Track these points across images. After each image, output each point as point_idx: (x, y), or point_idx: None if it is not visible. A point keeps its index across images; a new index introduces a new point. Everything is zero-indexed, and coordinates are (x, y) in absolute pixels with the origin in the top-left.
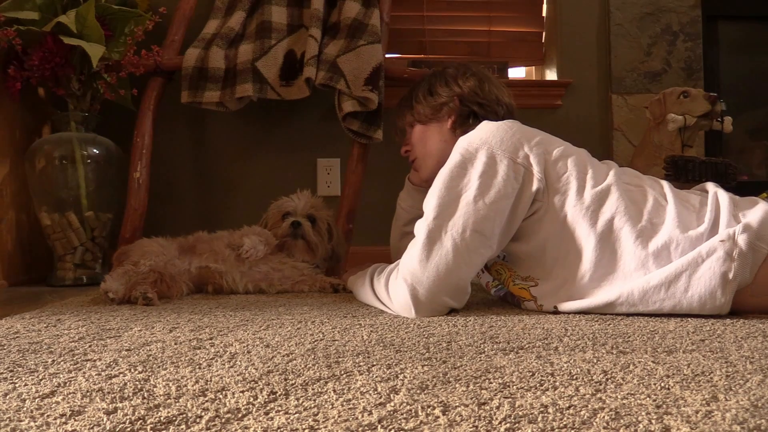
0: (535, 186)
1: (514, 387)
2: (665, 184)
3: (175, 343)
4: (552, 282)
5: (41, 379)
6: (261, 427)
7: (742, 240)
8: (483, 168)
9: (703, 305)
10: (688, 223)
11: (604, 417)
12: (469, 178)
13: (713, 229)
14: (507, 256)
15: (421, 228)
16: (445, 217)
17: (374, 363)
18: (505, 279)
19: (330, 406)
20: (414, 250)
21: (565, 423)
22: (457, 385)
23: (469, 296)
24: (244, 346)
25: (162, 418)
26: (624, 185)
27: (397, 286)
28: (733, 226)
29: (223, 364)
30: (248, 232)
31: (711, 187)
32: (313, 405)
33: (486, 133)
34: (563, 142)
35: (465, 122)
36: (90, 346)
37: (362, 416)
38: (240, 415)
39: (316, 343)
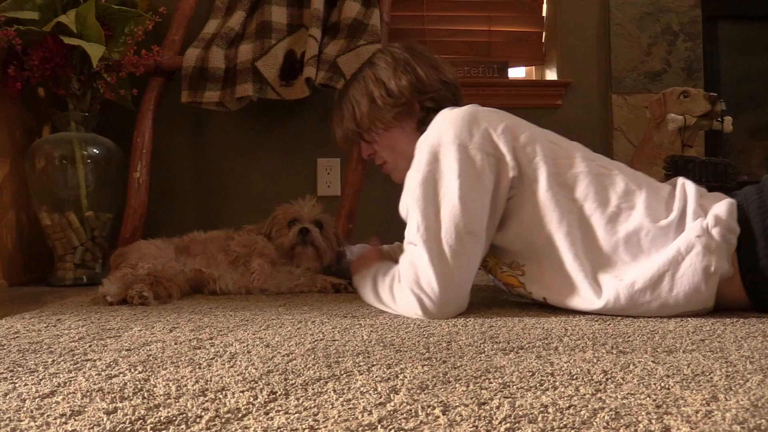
0: (510, 174)
1: (514, 387)
2: (637, 173)
3: (175, 343)
4: (535, 267)
5: (41, 379)
6: (261, 427)
7: (716, 233)
8: (459, 166)
9: (688, 301)
10: (658, 212)
11: (604, 417)
12: (447, 179)
13: (681, 218)
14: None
15: (414, 239)
16: (435, 226)
17: (374, 363)
18: (492, 267)
19: (330, 406)
20: (413, 261)
21: (565, 423)
22: (457, 385)
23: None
24: (244, 346)
25: (162, 418)
26: (595, 170)
27: (403, 295)
28: (700, 216)
29: (223, 364)
30: (246, 241)
31: (679, 179)
32: (313, 405)
33: (451, 126)
34: (529, 125)
35: (426, 117)
36: (90, 346)
37: (362, 416)
38: (240, 415)
39: (316, 343)
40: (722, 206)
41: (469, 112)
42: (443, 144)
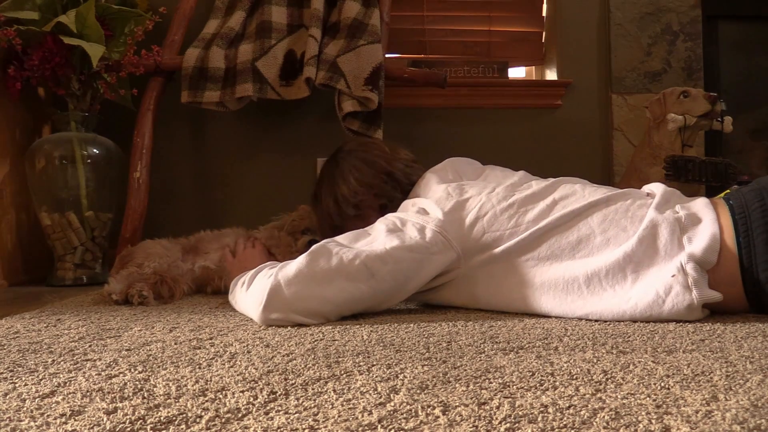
0: (448, 255)
1: (514, 387)
2: (601, 198)
3: (175, 343)
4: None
5: (41, 379)
6: (261, 427)
7: (690, 268)
8: (392, 226)
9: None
10: (616, 246)
11: (604, 417)
12: (378, 230)
13: (648, 250)
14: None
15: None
16: (345, 247)
17: (374, 363)
18: None
19: (330, 406)
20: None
21: (565, 423)
22: (457, 385)
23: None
24: (244, 346)
25: (162, 418)
26: (548, 227)
27: (257, 281)
28: (677, 255)
29: (223, 364)
30: (274, 238)
31: (650, 212)
32: (313, 405)
33: (404, 206)
34: (481, 190)
35: (387, 203)
36: (90, 346)
37: (362, 416)
38: (240, 415)
39: (316, 343)
40: (700, 242)
41: (434, 199)
42: (392, 215)
